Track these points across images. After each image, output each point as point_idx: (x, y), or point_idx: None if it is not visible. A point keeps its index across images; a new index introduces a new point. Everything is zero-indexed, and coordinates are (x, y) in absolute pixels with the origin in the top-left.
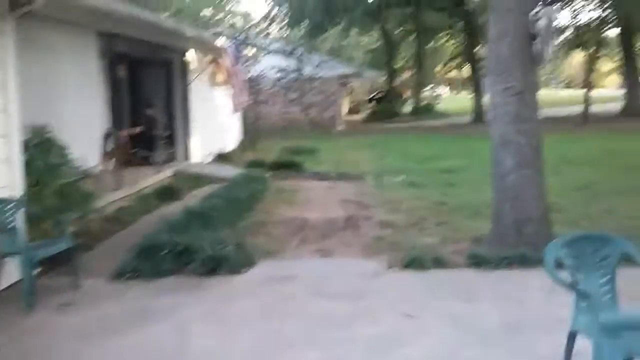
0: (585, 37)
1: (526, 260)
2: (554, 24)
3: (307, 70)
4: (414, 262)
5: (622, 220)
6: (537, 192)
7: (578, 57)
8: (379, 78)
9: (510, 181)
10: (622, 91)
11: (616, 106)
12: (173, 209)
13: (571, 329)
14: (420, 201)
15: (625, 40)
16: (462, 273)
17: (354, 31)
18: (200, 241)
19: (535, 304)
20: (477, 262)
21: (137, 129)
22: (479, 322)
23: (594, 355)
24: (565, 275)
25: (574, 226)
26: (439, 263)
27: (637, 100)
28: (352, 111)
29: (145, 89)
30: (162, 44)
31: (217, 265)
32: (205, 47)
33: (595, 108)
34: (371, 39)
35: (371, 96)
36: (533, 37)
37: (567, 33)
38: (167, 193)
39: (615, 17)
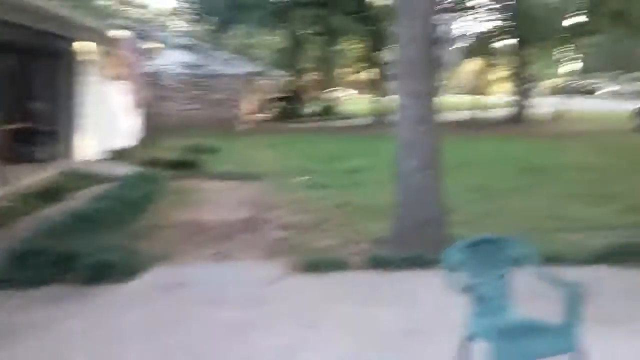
0: (480, 46)
1: (426, 261)
2: (452, 31)
3: (212, 67)
4: (315, 265)
5: (514, 221)
6: (437, 193)
7: (472, 65)
8: (285, 78)
9: (413, 182)
10: (513, 98)
11: (507, 112)
12: (56, 210)
13: (467, 332)
14: (324, 202)
15: (518, 50)
16: (362, 275)
17: (261, 30)
18: (85, 246)
19: (435, 306)
20: (378, 263)
21: (19, 124)
22: (379, 327)
23: (489, 359)
24: (463, 278)
25: (470, 226)
26: (340, 266)
27: (522, 108)
28: (257, 110)
29: (30, 81)
30: (50, 32)
31: (102, 273)
32: (99, 38)
33: (488, 113)
34: (278, 39)
35: (277, 96)
36: (435, 42)
37: (463, 42)
38: (50, 193)
39: (510, 28)
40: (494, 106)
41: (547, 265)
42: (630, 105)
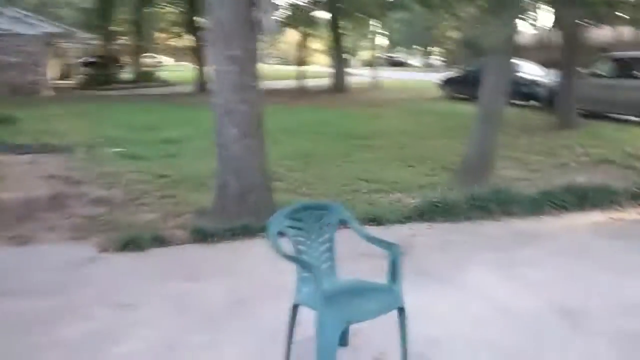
0: (299, 16)
1: (250, 230)
2: None
3: (2, 26)
4: (131, 243)
5: (336, 186)
6: (259, 161)
7: (292, 35)
8: (94, 41)
9: (234, 151)
10: (332, 69)
11: (327, 82)
12: None
13: (294, 301)
14: (140, 174)
15: (334, 22)
16: (185, 249)
17: None
18: None
19: (261, 275)
20: (201, 236)
21: None
22: (204, 302)
23: (317, 325)
24: (288, 246)
25: (293, 193)
26: (160, 241)
27: (341, 78)
28: (62, 76)
29: None
30: None
31: None
32: None
33: (309, 83)
34: None
35: (85, 60)
36: (252, 4)
37: (282, 10)
38: None
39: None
40: (315, 76)
41: (367, 226)
42: (437, 76)
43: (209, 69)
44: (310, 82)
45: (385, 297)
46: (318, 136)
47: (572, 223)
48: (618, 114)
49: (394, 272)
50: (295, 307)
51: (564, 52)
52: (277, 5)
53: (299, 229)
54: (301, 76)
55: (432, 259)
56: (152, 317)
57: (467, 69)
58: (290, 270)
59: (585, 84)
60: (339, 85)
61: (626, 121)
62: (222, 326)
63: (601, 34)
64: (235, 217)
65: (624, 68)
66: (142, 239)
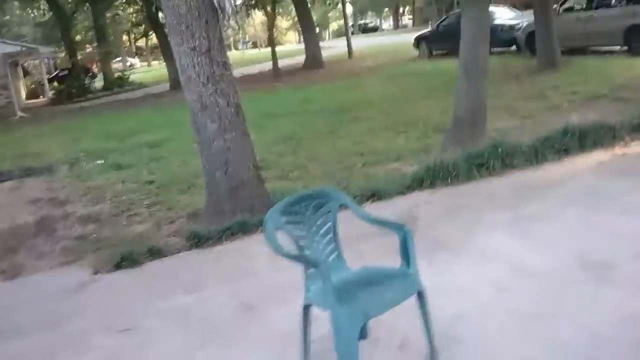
0: None
1: (247, 226)
2: None
3: None
4: (125, 259)
5: (330, 165)
6: (245, 153)
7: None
8: (60, 54)
9: (217, 147)
10: (305, 44)
11: (300, 59)
12: None
13: (305, 301)
14: (126, 184)
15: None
16: (183, 258)
17: (16, 4)
18: None
19: (265, 276)
20: (197, 241)
21: None
22: (209, 313)
23: (333, 326)
24: (288, 242)
25: (286, 179)
26: (156, 253)
27: (316, 53)
28: (33, 95)
29: None
30: None
31: None
32: None
33: (283, 63)
34: (39, 12)
35: (55, 75)
36: None
37: None
38: None
39: None
40: (288, 55)
41: (368, 203)
42: (411, 36)
43: (177, 65)
44: (285, 62)
45: (401, 283)
46: (302, 116)
47: (576, 166)
48: (598, 46)
49: (406, 255)
50: (306, 308)
51: None
52: None
53: (298, 222)
54: (274, 57)
55: (439, 228)
56: (155, 338)
57: (439, 24)
58: (295, 267)
59: (561, 21)
60: (314, 61)
61: (607, 52)
62: (231, 337)
63: None
64: (230, 215)
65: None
66: (136, 254)
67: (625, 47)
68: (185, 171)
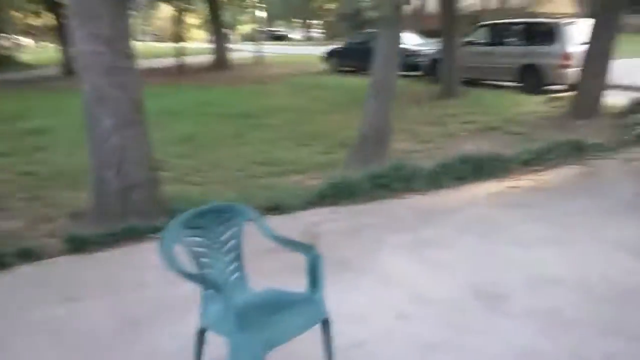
0: None
1: (136, 232)
2: None
3: None
4: None
5: (230, 172)
6: (143, 152)
7: (167, 10)
8: None
9: (111, 143)
10: (212, 45)
11: (208, 59)
12: None
13: (200, 324)
14: (0, 174)
15: None
16: (60, 263)
17: None
18: None
19: (153, 288)
20: (78, 245)
21: None
22: (86, 327)
23: (231, 355)
24: (187, 259)
25: (183, 183)
26: (28, 255)
27: (224, 54)
28: None
29: None
30: None
31: None
32: None
33: (190, 60)
34: None
35: None
36: None
37: None
38: None
39: None
40: (194, 53)
41: (269, 216)
42: (320, 49)
43: (75, 50)
44: (190, 60)
45: (307, 310)
46: (205, 117)
47: (472, 195)
48: (494, 80)
49: (314, 279)
50: (201, 332)
51: (443, 20)
52: None
53: (200, 237)
54: (180, 53)
55: (342, 246)
56: (22, 356)
57: (351, 41)
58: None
59: (463, 52)
60: (221, 62)
61: (502, 87)
62: (111, 357)
63: (470, 2)
64: (118, 218)
65: (497, 35)
66: (4, 255)
67: (519, 84)
68: (72, 164)
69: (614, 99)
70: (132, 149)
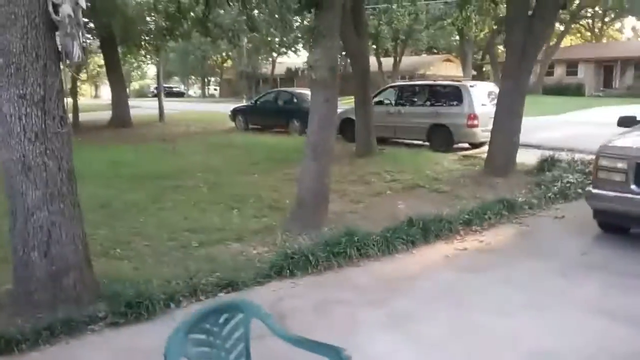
0: None
1: (74, 325)
2: (80, 13)
3: None
4: None
5: (159, 242)
6: (74, 229)
7: None
8: None
9: (37, 220)
10: (111, 100)
11: (101, 115)
12: None
13: None
14: None
15: (108, 49)
16: None
17: None
18: None
19: None
20: (3, 345)
21: None
22: None
23: None
24: None
25: (107, 258)
26: None
27: (124, 111)
28: None
29: None
30: None
31: None
32: None
33: (88, 117)
34: None
35: None
36: (53, 26)
37: None
38: None
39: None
40: (87, 109)
41: (222, 294)
42: (221, 106)
43: None
44: (85, 117)
45: None
46: (114, 180)
47: (427, 259)
48: (403, 139)
49: None
50: None
51: (356, 80)
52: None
53: (206, 345)
54: (75, 110)
55: (313, 328)
56: None
57: (256, 99)
58: None
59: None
60: (121, 119)
61: (411, 145)
62: None
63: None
64: (48, 307)
65: (405, 96)
66: None
67: (428, 142)
68: None
69: (525, 157)
70: (62, 226)
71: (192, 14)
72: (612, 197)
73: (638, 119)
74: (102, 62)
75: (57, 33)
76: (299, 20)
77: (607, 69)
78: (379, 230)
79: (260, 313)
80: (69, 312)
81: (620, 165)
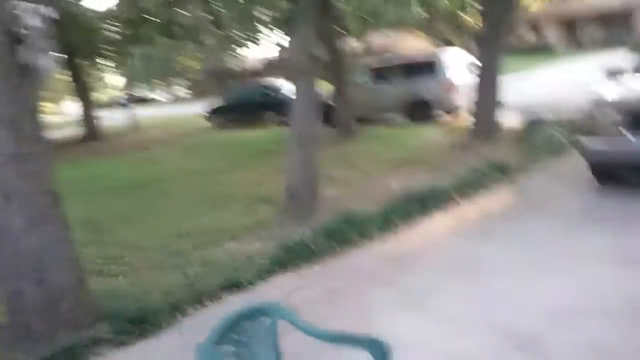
0: None
1: (77, 353)
2: (46, 25)
3: None
4: None
5: (154, 252)
6: (66, 252)
7: None
8: None
9: (25, 248)
10: (78, 114)
11: (77, 129)
12: None
13: None
14: None
15: (73, 64)
16: None
17: None
18: None
19: None
20: None
21: None
22: None
23: None
24: None
25: (103, 276)
26: None
27: (94, 124)
28: None
29: None
30: None
31: None
32: None
33: (57, 133)
34: None
35: None
36: (20, 42)
37: None
38: None
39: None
40: (60, 125)
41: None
42: (192, 108)
43: None
44: (58, 132)
45: None
46: (95, 195)
47: (429, 232)
48: (382, 116)
49: None
50: None
51: (331, 65)
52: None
53: (235, 356)
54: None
55: (327, 318)
56: None
57: (230, 96)
58: None
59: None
60: (92, 132)
61: (391, 122)
62: None
63: (353, 45)
64: (46, 336)
65: (382, 75)
66: None
67: (408, 117)
68: None
69: (509, 119)
70: (53, 250)
71: (153, 18)
72: (609, 149)
73: (622, 68)
74: (62, 77)
75: (23, 49)
76: (263, 12)
77: (570, 25)
78: (376, 210)
79: (288, 314)
80: (70, 339)
81: (615, 115)
